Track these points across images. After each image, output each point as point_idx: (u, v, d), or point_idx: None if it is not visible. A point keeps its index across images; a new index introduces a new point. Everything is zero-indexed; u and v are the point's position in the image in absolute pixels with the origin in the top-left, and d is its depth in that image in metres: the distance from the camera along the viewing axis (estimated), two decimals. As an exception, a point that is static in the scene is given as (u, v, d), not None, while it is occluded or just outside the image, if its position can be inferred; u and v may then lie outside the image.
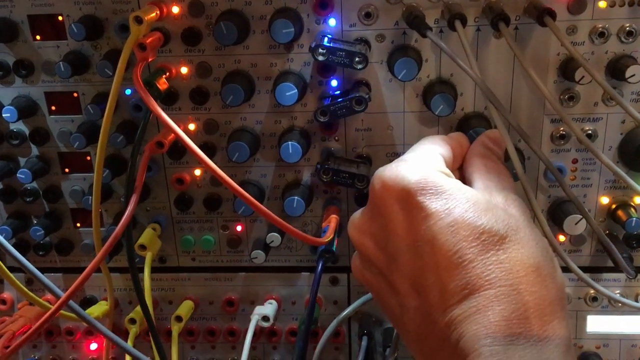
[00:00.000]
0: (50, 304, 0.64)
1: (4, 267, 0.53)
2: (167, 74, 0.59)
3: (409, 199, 0.41)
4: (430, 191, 0.41)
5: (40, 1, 0.59)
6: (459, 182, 0.43)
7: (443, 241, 0.39)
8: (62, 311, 0.54)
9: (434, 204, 0.40)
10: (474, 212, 0.40)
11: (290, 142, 0.59)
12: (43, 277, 0.51)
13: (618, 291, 0.65)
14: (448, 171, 0.45)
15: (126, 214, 0.53)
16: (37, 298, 0.57)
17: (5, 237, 0.64)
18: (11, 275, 0.54)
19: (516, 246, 0.39)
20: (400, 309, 0.42)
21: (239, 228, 0.67)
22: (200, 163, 0.51)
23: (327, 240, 0.54)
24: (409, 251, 0.41)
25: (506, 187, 0.45)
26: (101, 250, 0.51)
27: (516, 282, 0.37)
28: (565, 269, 0.55)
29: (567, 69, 0.56)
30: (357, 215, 0.47)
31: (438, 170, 0.43)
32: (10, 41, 0.60)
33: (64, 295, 0.49)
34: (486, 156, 0.49)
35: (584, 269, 0.64)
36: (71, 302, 0.51)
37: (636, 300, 0.65)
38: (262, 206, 0.51)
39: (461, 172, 0.51)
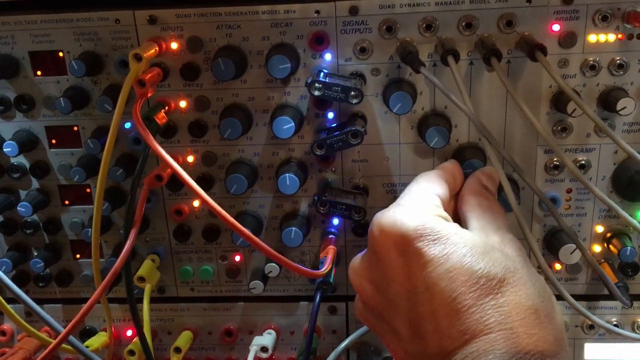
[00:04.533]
0: (50, 335, 0.65)
1: (3, 302, 0.54)
2: (166, 107, 0.60)
3: (407, 246, 0.41)
4: (428, 237, 0.41)
5: (41, 38, 0.60)
6: (456, 226, 0.43)
7: (442, 287, 0.39)
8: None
9: (432, 250, 0.40)
10: (471, 256, 0.40)
11: (287, 174, 0.59)
12: (42, 312, 0.52)
13: (615, 319, 0.65)
14: (445, 214, 0.45)
15: (125, 248, 0.53)
16: (36, 332, 0.57)
17: (5, 270, 0.65)
18: (10, 309, 0.55)
19: (514, 289, 0.40)
20: (403, 352, 0.43)
21: (237, 258, 0.68)
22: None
23: (324, 272, 0.55)
24: (408, 297, 0.41)
25: (501, 227, 0.45)
26: (100, 286, 0.51)
27: (515, 325, 0.38)
28: (561, 298, 0.56)
29: (560, 101, 0.57)
30: (358, 260, 0.47)
31: (435, 215, 0.43)
32: (12, 77, 0.62)
33: (63, 332, 0.49)
34: (480, 194, 0.50)
35: (580, 297, 0.65)
36: (71, 337, 0.52)
37: (633, 328, 0.66)
38: (257, 239, 0.52)
39: (455, 209, 0.52)
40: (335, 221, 0.65)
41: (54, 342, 0.50)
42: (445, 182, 0.49)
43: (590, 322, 0.66)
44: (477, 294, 0.39)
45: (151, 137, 0.51)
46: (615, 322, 0.65)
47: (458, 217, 0.50)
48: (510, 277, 0.40)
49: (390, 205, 0.45)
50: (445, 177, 0.50)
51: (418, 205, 0.44)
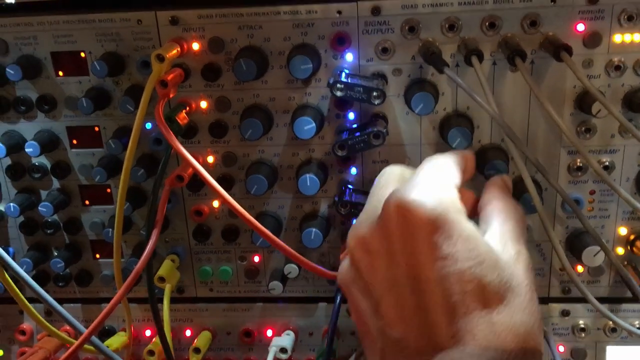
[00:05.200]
0: (69, 334, 0.65)
1: (24, 300, 0.54)
2: (187, 108, 0.60)
3: (424, 235, 0.40)
4: (447, 232, 0.40)
5: (63, 39, 0.60)
6: (474, 229, 0.42)
7: (447, 287, 0.38)
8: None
9: (447, 248, 0.39)
10: (483, 267, 0.39)
11: (308, 175, 0.59)
12: (64, 311, 0.52)
13: (637, 322, 0.65)
14: (463, 208, 0.44)
15: (147, 248, 0.53)
16: (57, 331, 0.57)
17: (26, 269, 0.65)
18: (32, 308, 0.55)
19: (511, 311, 0.39)
20: (378, 334, 0.42)
21: (256, 259, 0.68)
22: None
23: (346, 274, 0.54)
24: (407, 284, 0.40)
25: (520, 240, 0.44)
26: (123, 286, 0.51)
27: (501, 348, 0.37)
28: (583, 299, 0.56)
29: (584, 101, 0.57)
30: (363, 226, 0.44)
31: (457, 210, 0.42)
32: (34, 77, 0.62)
33: (86, 332, 0.49)
34: (506, 200, 0.48)
35: (603, 300, 0.64)
36: (92, 337, 0.52)
37: (656, 331, 0.65)
38: (278, 239, 0.52)
39: (478, 206, 0.51)
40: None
41: (77, 342, 0.51)
42: (461, 171, 0.48)
43: (612, 325, 0.65)
44: (476, 304, 0.38)
45: (174, 138, 0.51)
46: (638, 325, 0.64)
47: (478, 215, 0.49)
48: (511, 298, 0.39)
49: (409, 184, 0.43)
50: (462, 165, 0.49)
51: (440, 194, 0.42)
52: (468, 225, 0.42)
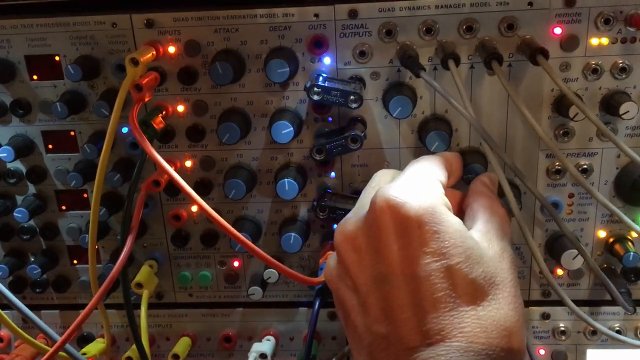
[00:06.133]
0: (47, 342, 0.64)
1: (-1, 310, 0.53)
2: (164, 112, 0.60)
3: (410, 231, 0.40)
4: (434, 228, 0.40)
5: (38, 42, 0.60)
6: (460, 224, 0.42)
7: (433, 283, 0.39)
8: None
9: (434, 243, 0.40)
10: (469, 262, 0.40)
11: (286, 179, 0.59)
12: (37, 319, 0.51)
13: (617, 325, 0.65)
14: (449, 204, 0.44)
15: (122, 254, 0.53)
16: (32, 339, 0.56)
17: (1, 276, 0.65)
18: (6, 316, 0.55)
19: (497, 305, 0.40)
20: (365, 330, 0.42)
21: (236, 264, 0.67)
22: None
23: (323, 279, 0.54)
24: (394, 280, 0.40)
25: (505, 237, 0.45)
26: (97, 293, 0.51)
27: (487, 342, 0.38)
28: (562, 303, 0.56)
29: (561, 105, 0.57)
30: (350, 224, 0.45)
31: (443, 205, 0.42)
32: (8, 81, 0.61)
33: (59, 341, 0.49)
34: (491, 198, 0.49)
35: (583, 303, 0.64)
36: (67, 345, 0.51)
37: (636, 333, 0.65)
38: (254, 246, 0.51)
39: (464, 203, 0.50)
40: (335, 226, 0.64)
41: (51, 350, 0.50)
42: (446, 169, 0.48)
43: (592, 328, 0.65)
44: (462, 299, 0.39)
45: (147, 143, 0.51)
46: (617, 328, 0.64)
47: (462, 212, 0.49)
48: (497, 293, 0.40)
49: (395, 182, 0.43)
50: (447, 165, 0.50)
51: (426, 191, 0.43)
52: (454, 221, 0.42)
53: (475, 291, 0.39)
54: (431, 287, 0.39)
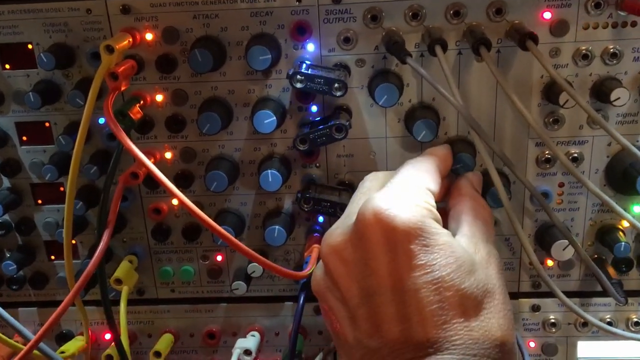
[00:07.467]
0: (26, 340, 0.62)
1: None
2: (142, 102, 0.57)
3: (400, 244, 0.40)
4: (423, 241, 0.40)
5: (9, 29, 0.57)
6: (448, 235, 0.42)
7: (424, 296, 0.39)
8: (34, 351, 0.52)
9: (424, 256, 0.39)
10: (460, 273, 0.40)
11: (270, 171, 0.57)
12: (9, 317, 0.49)
13: (609, 316, 0.64)
14: (438, 216, 0.44)
15: (99, 249, 0.51)
16: (5, 338, 0.54)
17: (-24, 273, 0.62)
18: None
19: (488, 315, 0.40)
20: (356, 343, 0.41)
21: (219, 258, 0.65)
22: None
23: (307, 273, 0.52)
24: (384, 294, 0.40)
25: (490, 240, 0.45)
26: (72, 290, 0.49)
27: (479, 352, 0.38)
28: (553, 295, 0.54)
29: (551, 92, 0.55)
30: (337, 235, 0.44)
31: (431, 218, 0.42)
32: (-22, 71, 0.59)
33: (32, 340, 0.47)
34: (476, 198, 0.49)
35: (573, 294, 0.63)
36: (42, 344, 0.49)
37: (627, 325, 0.64)
38: (236, 240, 0.49)
39: (447, 204, 0.50)
40: (321, 219, 0.62)
41: (23, 350, 0.48)
42: (439, 175, 0.48)
43: (583, 320, 0.64)
44: (455, 311, 0.39)
45: (123, 134, 0.49)
46: (609, 320, 0.63)
47: (448, 215, 0.49)
48: (487, 302, 0.40)
49: (385, 191, 0.43)
50: (441, 167, 0.49)
51: (415, 202, 0.42)
52: (443, 232, 0.42)
53: (467, 302, 0.39)
54: (422, 300, 0.39)
